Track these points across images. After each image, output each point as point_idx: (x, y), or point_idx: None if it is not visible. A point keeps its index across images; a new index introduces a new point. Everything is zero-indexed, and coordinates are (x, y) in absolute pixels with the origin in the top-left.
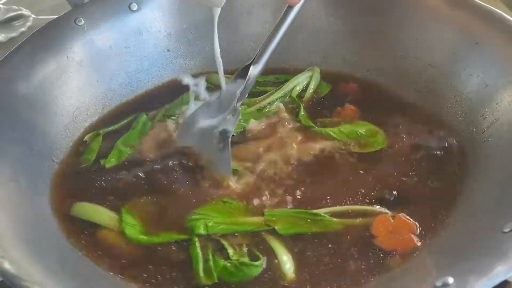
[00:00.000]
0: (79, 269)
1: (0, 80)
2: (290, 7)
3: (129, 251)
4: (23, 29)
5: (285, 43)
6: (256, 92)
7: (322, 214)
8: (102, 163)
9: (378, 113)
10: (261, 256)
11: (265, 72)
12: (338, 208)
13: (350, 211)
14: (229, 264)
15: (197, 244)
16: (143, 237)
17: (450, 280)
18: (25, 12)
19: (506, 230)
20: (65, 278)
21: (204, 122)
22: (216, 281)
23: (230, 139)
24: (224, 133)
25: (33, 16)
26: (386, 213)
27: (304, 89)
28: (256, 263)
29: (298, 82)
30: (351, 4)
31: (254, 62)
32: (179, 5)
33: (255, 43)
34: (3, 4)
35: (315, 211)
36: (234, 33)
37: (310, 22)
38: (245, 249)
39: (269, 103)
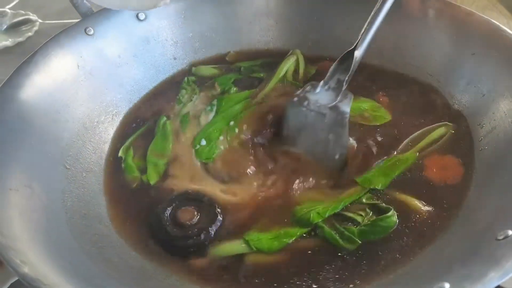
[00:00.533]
0: (93, 272)
1: (14, 88)
2: None
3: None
4: (30, 33)
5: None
6: (249, 78)
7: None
8: (144, 179)
9: None
10: (389, 207)
11: (250, 57)
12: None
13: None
14: (363, 226)
15: (325, 226)
16: (274, 243)
17: (447, 285)
18: (32, 16)
19: (500, 237)
20: (79, 281)
21: (313, 105)
22: (359, 242)
23: (347, 119)
24: (342, 114)
25: (40, 20)
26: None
27: (296, 72)
28: (388, 213)
29: (288, 66)
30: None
31: (358, 46)
32: (185, 14)
33: (258, 50)
34: (10, 8)
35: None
36: (238, 42)
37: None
38: (369, 211)
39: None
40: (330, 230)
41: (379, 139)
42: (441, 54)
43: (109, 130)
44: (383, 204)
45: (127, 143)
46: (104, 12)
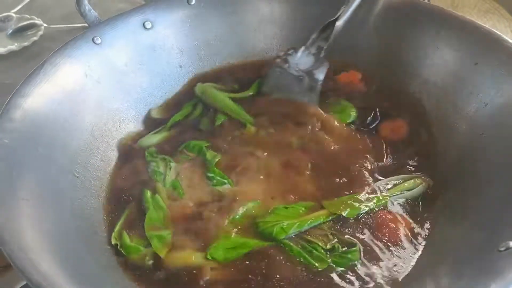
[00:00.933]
0: (102, 279)
1: (23, 97)
2: None
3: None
4: (35, 38)
5: None
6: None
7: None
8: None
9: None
10: (354, 241)
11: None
12: None
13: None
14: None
15: (292, 244)
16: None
17: None
18: (37, 21)
19: (502, 249)
20: None
21: (293, 68)
22: (329, 262)
23: (320, 86)
24: (315, 81)
25: (45, 25)
26: None
27: None
28: (354, 248)
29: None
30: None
31: (339, 18)
32: (191, 23)
33: (263, 58)
34: (15, 12)
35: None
36: (243, 49)
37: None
38: (332, 238)
39: None
40: (297, 248)
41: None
42: (444, 63)
43: (116, 137)
44: (347, 236)
45: (116, 229)
46: (112, 21)
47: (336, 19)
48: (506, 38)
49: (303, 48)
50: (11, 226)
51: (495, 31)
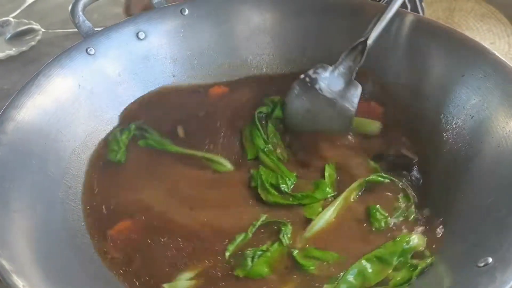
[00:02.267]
0: None
1: (16, 108)
2: None
3: None
4: (33, 43)
5: None
6: None
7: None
8: None
9: None
10: None
11: None
12: None
13: None
14: None
15: None
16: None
17: None
18: (35, 26)
19: (481, 264)
20: None
21: (325, 90)
22: None
23: (354, 112)
24: (351, 104)
25: (43, 30)
26: None
27: None
28: None
29: None
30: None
31: (370, 37)
32: (184, 33)
33: (255, 68)
34: (13, 17)
35: None
36: (235, 58)
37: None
38: None
39: None
40: None
41: None
42: (432, 74)
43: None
44: None
45: None
46: (105, 32)
47: (367, 38)
48: (492, 50)
49: (331, 67)
50: (1, 239)
51: (481, 43)
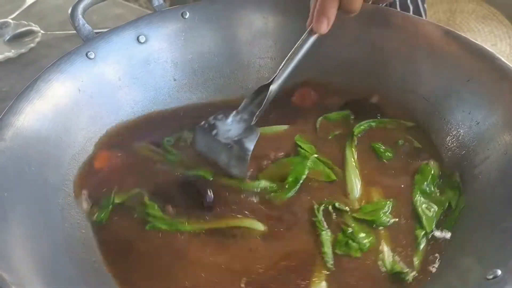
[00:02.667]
0: None
1: (15, 114)
2: (312, 33)
3: None
4: (32, 44)
5: None
6: None
7: None
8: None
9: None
10: None
11: None
12: None
13: None
14: None
15: None
16: None
17: None
18: (35, 27)
19: (489, 277)
20: None
21: (222, 135)
22: None
23: (248, 157)
24: (245, 151)
25: (42, 31)
26: None
27: None
28: None
29: None
30: (347, 35)
31: (274, 81)
32: (185, 36)
33: (258, 72)
34: (13, 19)
35: None
36: (237, 62)
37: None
38: None
39: None
40: None
41: None
42: (436, 79)
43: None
44: None
45: None
46: (105, 35)
47: (271, 83)
48: (499, 56)
49: (234, 113)
50: (0, 249)
51: (487, 48)
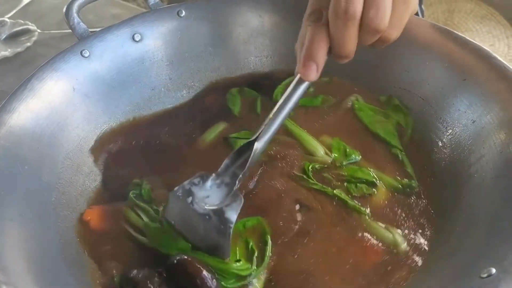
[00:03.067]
0: None
1: (9, 112)
2: (301, 81)
3: None
4: (28, 44)
5: None
6: None
7: None
8: None
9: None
10: None
11: None
12: None
13: None
14: None
15: None
16: None
17: None
18: (31, 26)
19: (484, 275)
20: None
21: (198, 203)
22: None
23: (231, 231)
24: (225, 223)
25: (39, 30)
26: None
27: None
28: None
29: None
30: None
31: (259, 138)
32: (181, 35)
33: (254, 70)
34: (9, 18)
35: None
36: (233, 60)
37: None
38: None
39: None
40: None
41: None
42: (432, 78)
43: (103, 152)
44: None
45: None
46: (101, 34)
47: (255, 140)
48: (495, 55)
49: (213, 176)
50: None
51: (484, 47)
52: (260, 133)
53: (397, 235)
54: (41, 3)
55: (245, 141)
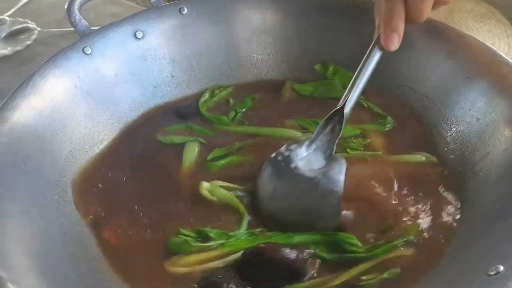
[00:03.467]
0: None
1: (11, 109)
2: (380, 48)
3: None
4: (28, 42)
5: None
6: None
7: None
8: None
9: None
10: None
11: None
12: None
13: None
14: None
15: None
16: None
17: None
18: (31, 25)
19: (491, 273)
20: None
21: (304, 170)
22: None
23: (342, 190)
24: (334, 183)
25: (39, 29)
26: None
27: None
28: None
29: None
30: (348, 31)
31: (346, 105)
32: (183, 32)
33: (256, 68)
34: (9, 16)
35: None
36: (236, 59)
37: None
38: None
39: None
40: None
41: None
42: (436, 76)
43: (105, 150)
44: None
45: None
46: (102, 31)
47: (343, 107)
48: (499, 52)
49: (307, 143)
50: None
51: (488, 44)
52: (346, 101)
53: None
54: (40, 1)
55: None
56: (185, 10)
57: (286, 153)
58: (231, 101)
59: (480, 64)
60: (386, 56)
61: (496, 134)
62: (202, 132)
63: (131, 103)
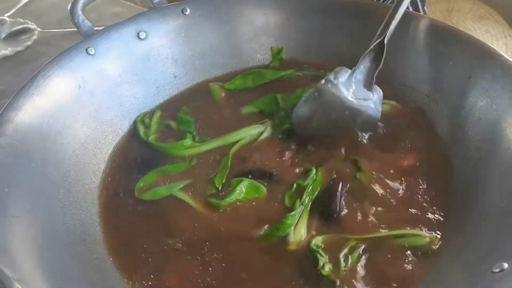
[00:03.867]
0: None
1: (15, 110)
2: None
3: None
4: (28, 42)
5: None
6: None
7: None
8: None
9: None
10: None
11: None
12: None
13: None
14: None
15: None
16: None
17: None
18: (31, 25)
19: (496, 270)
20: None
21: (348, 99)
22: None
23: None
24: (375, 111)
25: (39, 29)
26: None
27: None
28: None
29: None
30: (349, 31)
31: (386, 37)
32: (185, 33)
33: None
34: (9, 16)
35: None
36: (238, 59)
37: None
38: None
39: None
40: None
41: None
42: (438, 76)
43: (109, 150)
44: None
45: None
46: (106, 32)
47: (384, 38)
48: (501, 52)
49: (350, 71)
50: (1, 245)
51: (490, 44)
52: (386, 33)
53: None
54: (41, 1)
55: None
56: (188, 11)
57: (335, 81)
58: (172, 124)
59: (481, 64)
60: (388, 56)
61: (498, 133)
62: (175, 170)
63: (135, 103)
